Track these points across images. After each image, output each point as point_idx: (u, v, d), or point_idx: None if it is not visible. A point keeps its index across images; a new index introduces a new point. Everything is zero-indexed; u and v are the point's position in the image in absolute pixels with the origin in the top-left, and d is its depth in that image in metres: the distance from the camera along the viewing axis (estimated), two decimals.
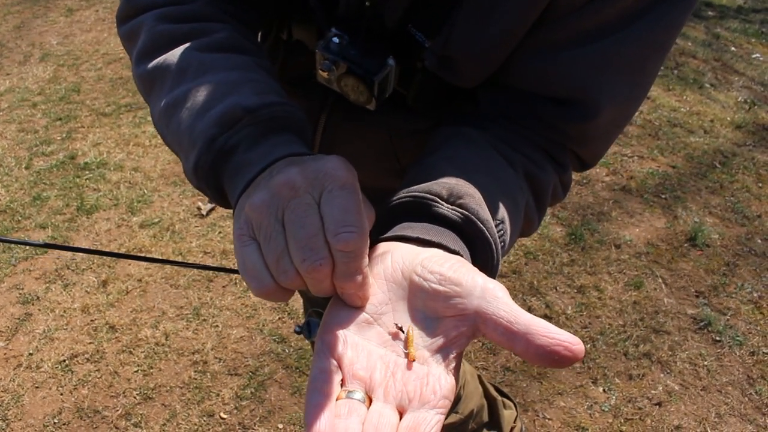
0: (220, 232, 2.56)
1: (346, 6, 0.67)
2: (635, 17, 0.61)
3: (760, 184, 2.99)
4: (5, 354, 2.07)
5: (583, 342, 1.97)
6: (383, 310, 0.47)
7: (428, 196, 0.54)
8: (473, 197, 0.54)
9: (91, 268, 2.40)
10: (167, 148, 2.97)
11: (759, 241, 2.60)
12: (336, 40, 0.67)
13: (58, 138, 3.21)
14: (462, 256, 0.50)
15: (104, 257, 2.44)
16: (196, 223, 2.63)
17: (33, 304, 2.25)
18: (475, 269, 0.46)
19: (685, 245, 2.51)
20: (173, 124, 0.60)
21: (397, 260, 0.48)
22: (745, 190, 2.92)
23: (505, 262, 2.38)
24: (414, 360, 0.44)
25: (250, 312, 2.22)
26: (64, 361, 2.04)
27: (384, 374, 0.43)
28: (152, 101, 0.65)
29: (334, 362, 0.43)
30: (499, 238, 0.56)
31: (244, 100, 0.56)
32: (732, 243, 2.56)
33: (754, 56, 5.28)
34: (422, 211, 0.54)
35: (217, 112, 0.56)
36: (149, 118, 3.34)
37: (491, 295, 0.43)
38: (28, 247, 2.48)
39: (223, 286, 2.32)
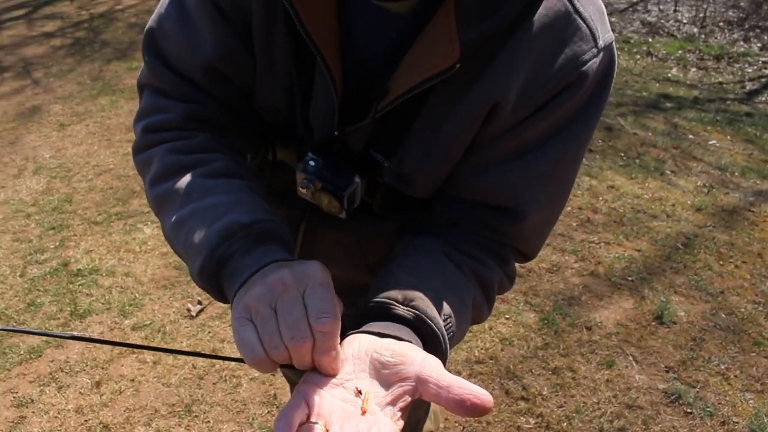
0: (209, 332, 2.67)
1: (320, 135, 0.84)
2: (551, 137, 0.78)
3: (722, 262, 3.16)
4: None
5: (560, 421, 2.08)
6: (348, 378, 0.61)
7: (387, 301, 0.70)
8: (423, 299, 0.70)
9: (84, 370, 2.48)
10: (156, 253, 3.09)
11: (723, 315, 2.74)
12: (312, 163, 0.83)
13: (52, 246, 3.34)
14: (413, 344, 0.65)
15: (99, 362, 2.52)
16: (186, 324, 2.73)
17: (27, 407, 2.31)
18: (419, 349, 0.62)
19: (653, 324, 2.65)
20: (181, 237, 0.75)
21: (362, 344, 0.63)
22: (708, 269, 3.09)
23: (482, 348, 2.50)
24: (365, 412, 0.57)
25: (240, 407, 2.30)
26: None
27: (342, 417, 0.57)
28: (163, 218, 0.80)
29: (304, 403, 0.57)
30: (447, 329, 0.72)
31: (240, 218, 0.72)
32: (698, 319, 2.70)
33: (710, 143, 5.58)
34: (383, 313, 0.69)
35: (218, 227, 0.71)
36: (139, 226, 3.50)
37: (428, 364, 0.59)
38: (22, 352, 2.56)
39: (214, 383, 2.40)
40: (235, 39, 0.81)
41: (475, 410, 0.55)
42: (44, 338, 2.64)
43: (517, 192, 0.81)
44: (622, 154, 4.76)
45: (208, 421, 2.23)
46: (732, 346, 2.56)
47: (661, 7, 16.00)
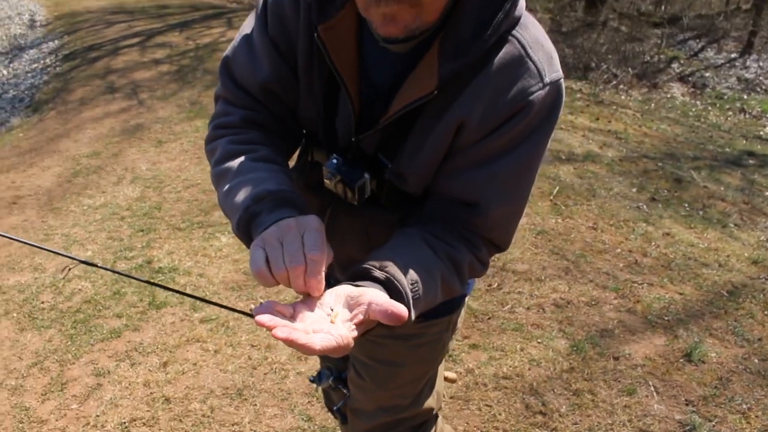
0: (266, 331, 2.95)
1: (342, 141, 1.13)
2: (507, 150, 1.04)
3: (766, 312, 3.21)
4: (77, 414, 2.46)
5: None
6: (328, 303, 0.87)
7: (368, 266, 0.96)
8: (394, 267, 0.95)
9: (155, 351, 2.81)
10: (229, 259, 3.43)
11: (756, 360, 2.81)
12: (335, 161, 1.12)
13: (139, 246, 3.75)
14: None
15: (168, 346, 2.85)
16: (247, 322, 3.04)
17: (104, 377, 2.66)
18: (377, 290, 0.87)
19: (681, 360, 2.76)
20: (229, 200, 1.04)
21: (343, 288, 0.90)
22: (750, 317, 3.16)
23: (510, 366, 2.68)
24: (333, 322, 0.83)
25: (284, 395, 2.56)
26: (125, 423, 2.41)
27: (315, 321, 0.82)
28: (219, 189, 1.09)
29: (292, 309, 0.83)
30: (413, 291, 0.97)
31: (269, 187, 1.00)
32: (728, 361, 2.79)
33: None
34: (365, 274, 0.95)
35: (253, 193, 1.00)
36: (217, 235, 3.87)
37: (376, 295, 0.85)
38: (104, 331, 2.92)
39: (265, 373, 2.68)
40: (285, 67, 1.13)
41: (393, 317, 0.80)
42: (124, 321, 3.00)
43: (481, 191, 1.06)
44: (686, 205, 4.81)
45: (255, 405, 2.50)
46: (759, 389, 2.63)
47: (761, 63, 15.61)
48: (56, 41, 11.33)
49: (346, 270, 1.08)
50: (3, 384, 2.65)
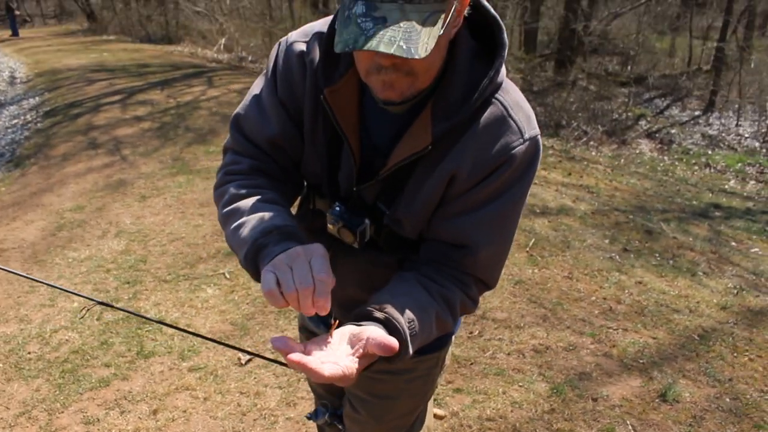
0: (254, 377, 3.02)
1: (344, 191, 1.27)
2: (493, 199, 1.18)
3: (736, 354, 3.35)
4: None
5: None
6: (334, 342, 0.99)
7: (369, 308, 1.08)
8: (392, 308, 1.08)
9: (144, 400, 2.85)
10: (216, 310, 3.50)
11: (728, 399, 2.93)
12: (338, 208, 1.26)
13: (126, 297, 3.80)
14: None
15: (157, 394, 2.89)
16: (235, 370, 3.09)
17: (93, 425, 2.69)
18: (377, 329, 1.00)
19: (657, 400, 2.87)
20: (236, 236, 1.15)
21: (347, 328, 1.02)
22: (720, 359, 3.29)
23: (493, 408, 2.76)
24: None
25: None
26: None
27: (322, 356, 0.94)
28: (227, 228, 1.20)
29: (303, 347, 0.94)
30: (410, 328, 1.09)
31: (275, 223, 1.12)
32: (701, 400, 2.90)
33: (753, 251, 5.72)
34: (367, 315, 1.07)
35: (260, 228, 1.11)
36: (203, 286, 3.94)
37: (373, 331, 0.98)
38: (93, 380, 2.96)
39: (254, 419, 2.73)
40: (292, 126, 1.26)
41: (386, 348, 0.95)
42: (113, 370, 3.04)
43: (470, 234, 1.19)
44: (657, 255, 4.99)
45: None
46: (731, 426, 2.74)
47: (723, 121, 16.21)
48: (37, 98, 11.45)
49: (346, 309, 1.24)
50: None
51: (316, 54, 1.20)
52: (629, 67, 18.90)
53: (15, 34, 26.24)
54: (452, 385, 2.91)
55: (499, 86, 1.14)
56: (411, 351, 1.09)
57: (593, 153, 11.15)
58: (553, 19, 19.84)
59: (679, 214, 6.83)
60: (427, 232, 1.25)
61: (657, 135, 14.70)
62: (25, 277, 1.50)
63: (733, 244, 5.84)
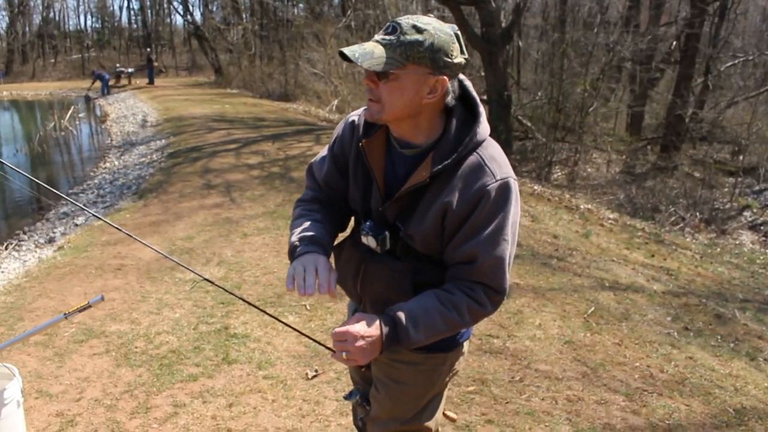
0: (317, 390, 3.50)
1: (374, 212, 1.80)
2: (488, 223, 1.65)
3: None
4: None
5: None
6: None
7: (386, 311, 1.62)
8: (401, 309, 1.62)
9: (223, 395, 3.39)
10: (294, 335, 4.06)
11: None
12: (368, 224, 1.79)
13: (219, 314, 4.41)
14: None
15: (234, 392, 3.43)
16: (302, 383, 3.59)
17: (180, 408, 3.24)
18: (375, 320, 1.59)
19: None
20: (289, 239, 1.71)
21: (359, 314, 1.58)
22: None
23: None
24: None
25: None
26: None
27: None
28: (291, 231, 1.75)
29: None
30: (414, 328, 1.62)
31: (308, 234, 1.71)
32: None
33: None
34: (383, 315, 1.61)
35: (299, 236, 1.71)
36: (286, 313, 4.49)
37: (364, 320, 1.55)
38: (184, 375, 3.54)
39: (311, 422, 3.20)
40: (336, 172, 1.87)
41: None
42: (201, 369, 3.62)
43: (474, 252, 1.66)
44: (719, 337, 5.08)
45: None
46: None
47: None
48: (163, 140, 12.76)
49: (374, 305, 1.79)
50: (101, 402, 3.28)
51: (362, 121, 1.78)
52: (741, 157, 18.46)
53: (151, 82, 28.89)
54: (486, 416, 3.28)
55: (480, 143, 1.65)
56: (413, 334, 1.60)
57: (687, 239, 10.97)
58: (660, 104, 19.87)
59: (760, 305, 6.71)
60: (446, 260, 1.73)
61: (762, 227, 14.30)
62: (158, 252, 2.08)
63: None
